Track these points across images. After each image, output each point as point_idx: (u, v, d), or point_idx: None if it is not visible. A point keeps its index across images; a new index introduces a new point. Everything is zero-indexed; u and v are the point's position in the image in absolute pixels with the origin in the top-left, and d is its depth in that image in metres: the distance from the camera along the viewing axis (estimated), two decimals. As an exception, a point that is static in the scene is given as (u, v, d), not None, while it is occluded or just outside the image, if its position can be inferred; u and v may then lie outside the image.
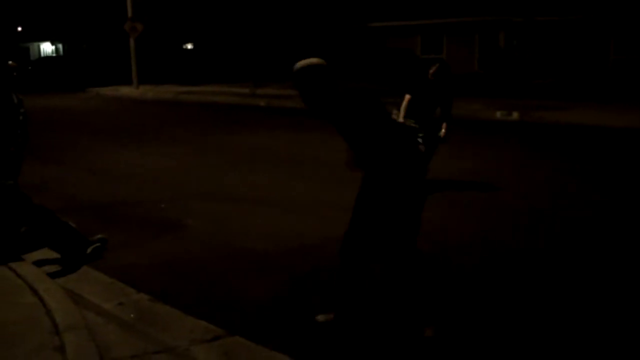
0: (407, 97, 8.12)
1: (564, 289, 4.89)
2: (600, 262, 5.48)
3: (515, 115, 16.12)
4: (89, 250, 5.56)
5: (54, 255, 5.58)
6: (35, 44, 50.76)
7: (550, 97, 20.25)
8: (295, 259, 5.61)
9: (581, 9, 27.26)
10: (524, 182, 8.77)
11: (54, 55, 48.50)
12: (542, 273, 5.23)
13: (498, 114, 16.46)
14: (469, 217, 6.98)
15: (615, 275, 5.16)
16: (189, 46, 40.60)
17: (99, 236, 5.78)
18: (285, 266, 5.44)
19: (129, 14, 29.20)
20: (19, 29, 49.60)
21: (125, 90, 28.21)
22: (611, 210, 7.21)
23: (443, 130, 8.08)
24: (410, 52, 30.30)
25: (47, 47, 50.72)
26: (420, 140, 7.70)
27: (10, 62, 5.72)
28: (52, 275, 5.10)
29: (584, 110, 16.59)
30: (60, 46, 49.36)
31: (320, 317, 4.32)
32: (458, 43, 30.55)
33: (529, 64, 28.27)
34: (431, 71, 8.14)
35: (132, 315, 4.44)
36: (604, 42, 27.10)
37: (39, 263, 5.37)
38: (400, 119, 8.21)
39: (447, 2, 31.10)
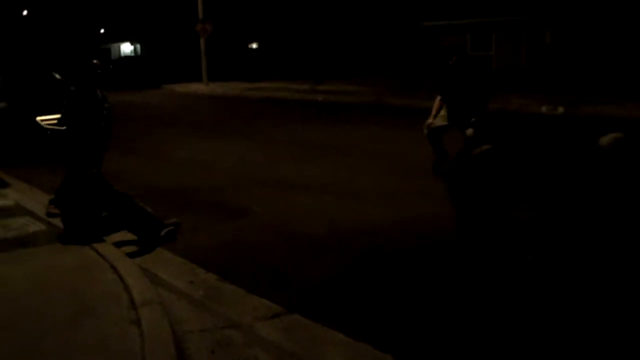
0: (438, 98, 7.99)
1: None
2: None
3: (560, 109, 15.71)
4: (163, 233, 5.68)
5: (132, 237, 5.73)
6: (116, 44, 51.86)
7: (594, 92, 19.66)
8: (352, 243, 5.62)
9: (621, 9, 26.35)
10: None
11: (133, 55, 49.50)
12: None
13: (544, 109, 16.06)
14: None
15: None
16: (254, 45, 40.88)
17: (173, 220, 5.90)
18: (342, 249, 5.46)
19: (200, 15, 29.55)
20: (102, 31, 50.80)
21: (195, 87, 28.58)
22: None
23: (470, 129, 7.48)
24: (462, 50, 29.80)
25: (126, 48, 51.78)
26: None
27: (94, 61, 5.86)
28: (130, 255, 5.23)
29: (626, 105, 16.07)
30: (138, 46, 50.33)
31: None
32: (506, 40, 29.89)
33: (574, 60, 27.48)
34: (450, 64, 7.92)
35: (201, 293, 4.54)
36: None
37: (118, 244, 5.52)
38: (430, 120, 8.07)
39: (495, 2, 30.45)
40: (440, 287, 4.56)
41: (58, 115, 6.61)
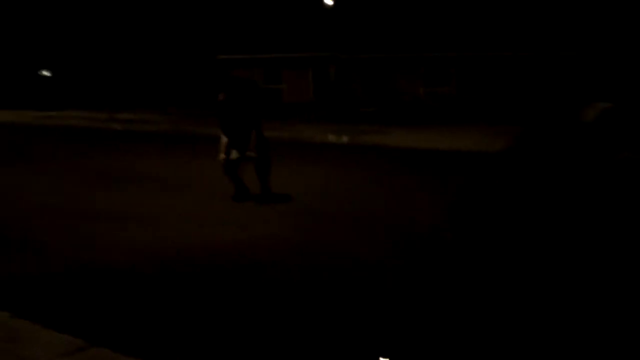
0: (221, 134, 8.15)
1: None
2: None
3: (344, 138, 16.62)
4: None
5: None
6: None
7: (374, 122, 21.07)
8: (146, 269, 5.41)
9: (397, 47, 28.74)
10: (348, 192, 9.02)
11: None
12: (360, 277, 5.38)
13: (330, 137, 16.87)
14: (300, 226, 7.06)
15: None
16: (47, 73, 38.27)
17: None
18: (147, 276, 5.23)
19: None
20: None
21: (-19, 114, 26.07)
22: (410, 211, 7.57)
23: (251, 152, 8.06)
24: (252, 81, 30.43)
25: None
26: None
27: None
28: None
29: (400, 133, 17.41)
30: None
31: None
32: (295, 75, 31.08)
33: (356, 94, 29.34)
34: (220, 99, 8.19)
35: (-8, 333, 4.06)
36: (415, 76, 28.69)
37: None
38: (221, 155, 8.16)
39: (284, 39, 31.61)
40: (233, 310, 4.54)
41: None
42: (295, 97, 30.48)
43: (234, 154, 8.11)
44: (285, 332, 4.14)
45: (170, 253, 5.91)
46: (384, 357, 3.76)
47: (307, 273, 5.36)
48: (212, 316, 4.41)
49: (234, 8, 33.67)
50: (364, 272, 5.37)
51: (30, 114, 26.42)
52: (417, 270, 5.46)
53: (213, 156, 8.39)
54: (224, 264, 5.59)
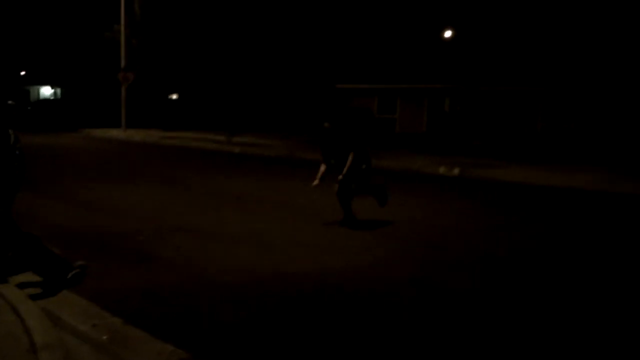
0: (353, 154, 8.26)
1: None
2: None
3: (455, 171, 16.31)
4: (69, 275, 5.40)
5: (38, 279, 5.41)
6: (36, 87, 50.14)
7: (487, 156, 20.56)
8: (264, 291, 5.52)
9: (515, 81, 28.03)
10: (464, 227, 8.81)
11: (52, 98, 47.93)
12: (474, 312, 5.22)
13: (441, 169, 16.63)
14: (408, 257, 6.97)
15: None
16: (174, 96, 40.54)
17: (80, 263, 5.63)
18: (254, 297, 5.35)
19: (122, 64, 29.12)
20: (22, 73, 49.03)
21: (114, 132, 27.94)
22: (535, 251, 7.27)
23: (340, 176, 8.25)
24: (368, 110, 30.69)
25: (46, 91, 50.13)
26: None
27: (9, 101, 5.57)
28: (34, 297, 4.93)
29: (516, 168, 16.88)
30: (58, 90, 48.85)
31: None
32: (409, 105, 31.06)
33: (470, 126, 28.83)
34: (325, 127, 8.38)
35: (105, 337, 4.31)
36: (533, 110, 27.81)
37: (22, 285, 5.19)
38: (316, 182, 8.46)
39: (401, 70, 31.72)
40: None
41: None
42: (408, 128, 30.40)
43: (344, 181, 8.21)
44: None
45: (280, 276, 6.01)
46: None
47: (425, 305, 5.28)
48: (319, 343, 4.43)
49: (355, 39, 34.30)
50: (470, 305, 5.22)
51: (156, 133, 28.02)
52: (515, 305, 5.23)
53: (315, 182, 8.53)
54: (333, 292, 5.62)
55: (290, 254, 6.91)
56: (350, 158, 8.17)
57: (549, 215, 10.48)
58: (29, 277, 5.42)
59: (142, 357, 4.00)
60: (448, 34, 30.91)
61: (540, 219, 10.01)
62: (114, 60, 31.27)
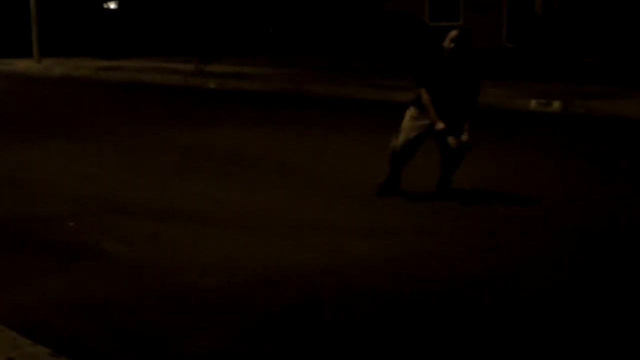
0: (424, 93, 8.15)
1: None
2: None
3: (556, 105, 16.19)
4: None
5: None
6: None
7: (602, 81, 20.36)
8: (251, 299, 5.55)
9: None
10: (566, 198, 8.77)
11: None
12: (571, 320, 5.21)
13: (533, 103, 16.52)
14: (489, 245, 6.98)
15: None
16: (112, 5, 40.33)
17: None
18: (238, 308, 5.37)
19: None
20: None
21: (22, 65, 27.97)
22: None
23: (465, 135, 8.07)
24: (410, 15, 30.35)
25: None
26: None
27: None
28: None
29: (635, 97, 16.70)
30: None
31: None
32: (480, 7, 30.70)
33: (573, 35, 28.49)
34: (446, 44, 8.10)
35: (25, 377, 4.35)
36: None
37: None
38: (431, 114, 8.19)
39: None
40: None
41: None
42: (480, 41, 30.09)
43: (414, 130, 8.25)
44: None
45: (276, 275, 6.03)
46: None
47: (511, 310, 5.30)
48: None
49: None
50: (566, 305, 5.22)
51: (88, 63, 28.01)
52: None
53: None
54: (381, 292, 5.68)
55: (299, 240, 6.95)
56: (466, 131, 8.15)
57: None
58: None
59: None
60: None
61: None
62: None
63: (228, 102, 18.18)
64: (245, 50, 31.84)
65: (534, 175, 9.94)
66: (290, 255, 6.54)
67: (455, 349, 4.74)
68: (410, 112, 8.32)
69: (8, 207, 8.17)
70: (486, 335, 4.93)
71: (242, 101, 18.19)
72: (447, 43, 8.07)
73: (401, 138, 8.26)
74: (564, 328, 5.06)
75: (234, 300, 5.54)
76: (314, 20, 33.42)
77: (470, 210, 8.05)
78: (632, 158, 11.24)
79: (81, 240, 6.93)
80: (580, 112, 15.58)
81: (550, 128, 14.18)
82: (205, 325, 5.10)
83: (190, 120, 14.80)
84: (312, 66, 25.01)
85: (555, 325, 5.08)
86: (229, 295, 5.64)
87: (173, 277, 6.00)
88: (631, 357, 4.68)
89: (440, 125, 7.96)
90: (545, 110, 16.04)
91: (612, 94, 17.39)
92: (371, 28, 30.04)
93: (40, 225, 7.46)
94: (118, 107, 17.36)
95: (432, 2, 31.64)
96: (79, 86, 22.28)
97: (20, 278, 5.93)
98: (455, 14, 31.28)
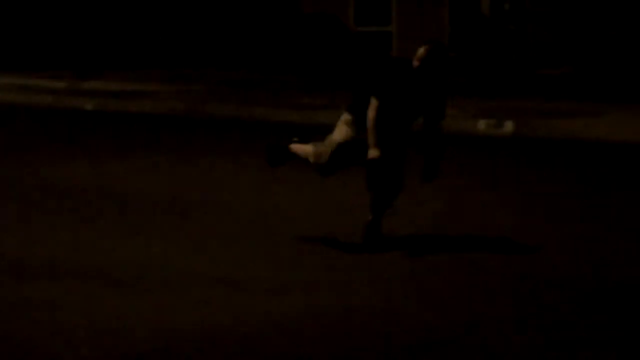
0: (375, 103, 8.22)
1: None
2: None
3: (509, 126, 16.38)
4: None
5: None
6: None
7: (566, 96, 20.67)
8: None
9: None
10: (525, 237, 8.86)
11: None
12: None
13: (482, 124, 16.68)
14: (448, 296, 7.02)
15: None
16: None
17: None
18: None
19: None
20: None
21: None
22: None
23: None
24: (334, 19, 30.49)
25: None
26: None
27: None
28: None
29: (620, 116, 17.00)
30: None
31: None
32: (416, 8, 31.05)
33: (531, 43, 28.95)
34: (419, 55, 8.27)
35: None
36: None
37: None
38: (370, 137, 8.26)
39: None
40: None
41: None
42: (415, 48, 30.37)
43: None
44: None
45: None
46: None
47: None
48: None
49: None
50: None
51: None
52: None
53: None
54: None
55: (200, 299, 6.89)
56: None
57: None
58: None
59: None
60: None
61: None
62: None
63: (107, 126, 17.99)
64: (136, 63, 31.64)
65: (483, 213, 10.04)
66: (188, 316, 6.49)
67: None
68: (345, 117, 8.47)
69: None
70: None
71: (125, 125, 18.03)
72: (415, 61, 8.27)
73: (329, 144, 8.40)
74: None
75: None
76: (224, 28, 33.43)
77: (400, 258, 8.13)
78: (601, 187, 11.39)
79: None
80: (540, 134, 15.76)
81: (503, 153, 14.31)
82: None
83: (55, 150, 14.58)
84: (217, 81, 24.98)
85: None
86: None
87: (39, 348, 5.84)
88: None
89: (374, 154, 8.03)
90: (497, 133, 16.21)
91: (578, 111, 17.67)
92: (291, 35, 30.13)
93: None
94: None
95: (358, 3, 31.80)
96: None
97: None
98: (387, 17, 31.51)
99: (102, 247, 8.51)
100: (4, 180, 11.81)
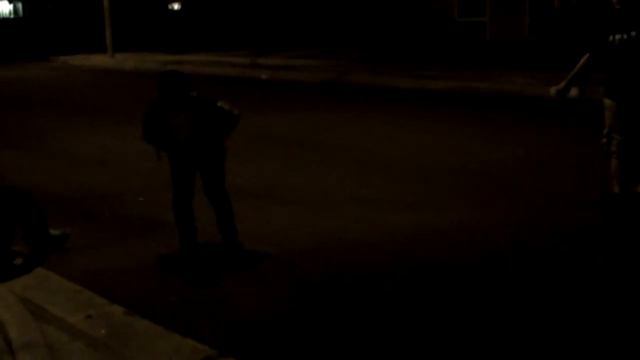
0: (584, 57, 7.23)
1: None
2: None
3: (574, 91, 15.92)
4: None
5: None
6: (-10, 3, 50.82)
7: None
8: (302, 266, 5.58)
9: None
10: (582, 173, 8.67)
11: (12, 16, 48.52)
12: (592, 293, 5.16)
13: (552, 90, 16.26)
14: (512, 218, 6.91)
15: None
16: (176, 6, 40.46)
17: (60, 231, 5.77)
18: (290, 275, 5.41)
19: (103, -34, 29.16)
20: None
21: (97, 59, 28.18)
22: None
23: None
24: (443, 12, 30.13)
25: (4, 7, 50.80)
26: None
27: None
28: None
29: None
30: (19, 5, 49.40)
31: None
32: (504, 4, 30.33)
33: (589, 28, 28.00)
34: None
35: (103, 332, 4.41)
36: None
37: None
38: (561, 85, 7.55)
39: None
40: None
41: None
42: (504, 34, 29.75)
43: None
44: None
45: (327, 245, 6.04)
46: None
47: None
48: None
49: None
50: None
51: (155, 57, 28.15)
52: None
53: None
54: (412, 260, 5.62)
55: (336, 211, 6.96)
56: None
57: None
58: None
59: (153, 356, 4.08)
60: None
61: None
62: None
63: (279, 90, 18.14)
64: (298, 44, 31.72)
65: (551, 153, 9.83)
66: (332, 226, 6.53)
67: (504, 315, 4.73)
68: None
69: (85, 182, 8.31)
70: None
71: (291, 89, 18.14)
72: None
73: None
74: None
75: (282, 266, 5.59)
76: (364, 19, 33.29)
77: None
78: None
79: (149, 213, 7.02)
80: (594, 96, 15.33)
81: (564, 113, 13.99)
82: (258, 287, 5.15)
83: (246, 107, 14.76)
84: (358, 58, 24.84)
85: None
86: (277, 262, 5.68)
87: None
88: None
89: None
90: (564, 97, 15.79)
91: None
92: (412, 25, 29.93)
93: (114, 200, 7.56)
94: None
95: (461, 1, 31.29)
96: (148, 78, 22.37)
97: (96, 245, 6.02)
98: (482, 10, 30.96)
99: (269, 175, 8.64)
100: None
